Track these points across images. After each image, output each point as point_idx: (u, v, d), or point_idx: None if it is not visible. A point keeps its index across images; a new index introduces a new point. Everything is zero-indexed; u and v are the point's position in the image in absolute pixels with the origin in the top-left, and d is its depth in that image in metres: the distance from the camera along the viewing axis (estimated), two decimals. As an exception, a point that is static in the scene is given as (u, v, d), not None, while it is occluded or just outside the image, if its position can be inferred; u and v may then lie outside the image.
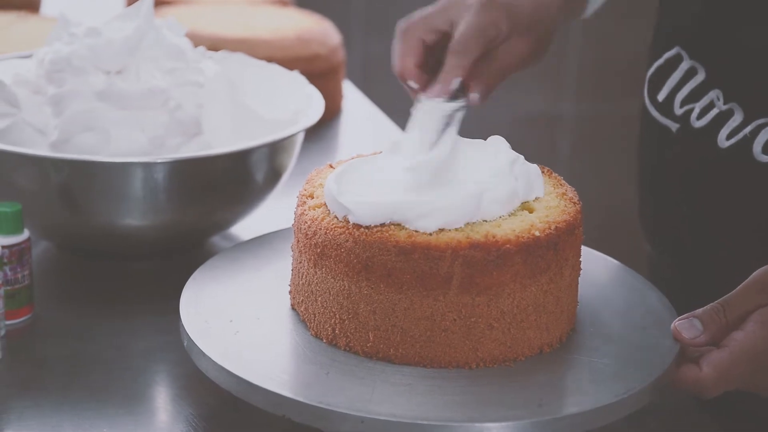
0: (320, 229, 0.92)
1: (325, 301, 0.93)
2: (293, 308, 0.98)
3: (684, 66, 1.11)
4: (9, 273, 1.05)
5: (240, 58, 1.29)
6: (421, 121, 1.02)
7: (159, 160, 1.09)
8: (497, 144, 0.99)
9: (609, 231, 2.85)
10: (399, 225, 0.90)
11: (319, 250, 0.92)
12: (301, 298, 0.95)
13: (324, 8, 1.94)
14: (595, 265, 1.05)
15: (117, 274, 1.17)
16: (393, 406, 0.86)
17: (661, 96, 1.12)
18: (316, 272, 0.93)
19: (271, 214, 1.23)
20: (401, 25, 1.10)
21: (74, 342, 1.05)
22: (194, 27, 1.54)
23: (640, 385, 0.88)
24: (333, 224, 0.92)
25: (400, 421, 0.84)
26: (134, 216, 1.11)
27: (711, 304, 0.92)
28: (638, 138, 1.20)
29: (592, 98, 2.81)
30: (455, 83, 1.05)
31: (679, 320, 0.92)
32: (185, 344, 0.94)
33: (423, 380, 0.89)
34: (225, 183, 1.14)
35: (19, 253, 1.05)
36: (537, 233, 0.91)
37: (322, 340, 0.93)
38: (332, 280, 0.92)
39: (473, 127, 1.00)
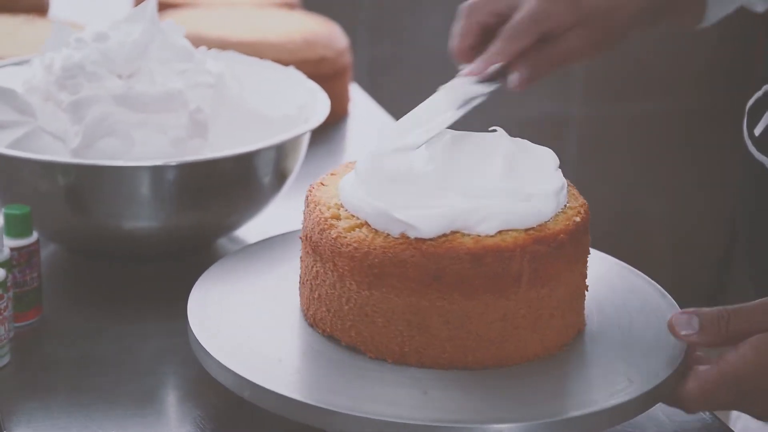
0: (374, 249, 0.90)
1: (388, 321, 0.91)
2: (324, 333, 0.95)
3: None
4: (18, 275, 1.05)
5: (233, 56, 1.29)
6: (435, 99, 1.00)
7: (166, 163, 1.10)
8: (524, 145, 0.97)
9: (616, 233, 2.85)
10: (459, 232, 0.90)
11: (376, 271, 0.90)
12: (349, 323, 0.92)
13: (330, 11, 1.94)
14: (603, 267, 1.05)
15: (125, 277, 1.18)
16: (407, 408, 0.86)
17: (758, 130, 1.08)
18: (372, 293, 0.91)
19: (277, 216, 1.23)
20: (464, 4, 1.08)
21: (82, 344, 1.05)
22: (200, 30, 1.54)
23: (647, 388, 0.88)
24: (390, 242, 0.90)
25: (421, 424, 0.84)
26: (141, 219, 1.12)
27: (718, 308, 0.90)
28: (734, 173, 1.14)
29: (600, 100, 2.81)
30: (494, 67, 1.04)
31: (679, 313, 0.91)
32: (193, 346, 0.94)
33: (440, 381, 0.90)
34: (232, 185, 1.14)
35: (27, 255, 1.05)
36: (577, 219, 0.93)
37: (387, 361, 0.92)
38: (396, 298, 0.90)
39: (481, 129, 1.00)
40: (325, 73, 1.54)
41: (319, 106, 1.23)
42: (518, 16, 1.05)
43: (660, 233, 2.90)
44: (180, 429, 0.95)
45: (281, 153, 1.16)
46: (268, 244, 1.07)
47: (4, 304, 1.00)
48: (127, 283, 1.17)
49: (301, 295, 0.98)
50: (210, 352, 0.91)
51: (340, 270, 0.92)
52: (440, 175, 0.93)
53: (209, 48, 1.26)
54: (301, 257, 0.98)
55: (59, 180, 1.10)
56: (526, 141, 0.98)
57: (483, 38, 1.07)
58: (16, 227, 1.05)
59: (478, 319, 0.90)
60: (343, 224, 0.92)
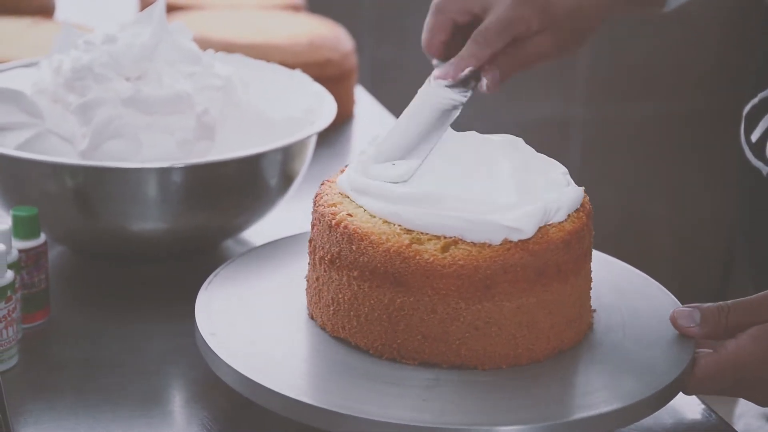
0: (484, 261, 0.89)
1: (500, 329, 0.91)
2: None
3: None
4: (26, 277, 1.05)
5: (240, 60, 1.30)
6: (415, 111, 1.00)
7: (173, 165, 1.10)
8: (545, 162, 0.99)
9: (619, 234, 2.86)
10: (545, 226, 0.92)
11: (488, 282, 0.89)
12: (454, 342, 0.91)
13: (334, 14, 1.95)
14: (606, 269, 1.05)
15: (132, 278, 1.18)
16: (414, 410, 0.86)
17: (754, 136, 1.09)
18: (484, 306, 0.90)
19: (283, 218, 1.23)
20: (436, 0, 1.10)
21: (89, 345, 1.05)
22: (206, 32, 1.55)
23: (652, 390, 0.89)
24: (498, 250, 0.90)
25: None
26: (149, 220, 1.12)
27: (718, 303, 0.93)
28: (735, 175, 1.16)
29: (603, 102, 2.81)
30: (466, 71, 1.05)
31: (681, 308, 0.94)
32: (200, 347, 0.95)
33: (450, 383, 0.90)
34: (238, 187, 1.14)
35: (35, 257, 1.06)
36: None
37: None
38: (508, 303, 0.90)
39: (484, 132, 1.00)
40: (331, 76, 1.54)
41: (326, 109, 1.23)
42: (490, 21, 1.06)
43: (663, 234, 2.90)
44: (186, 430, 0.95)
45: (288, 155, 1.16)
46: (274, 246, 1.08)
47: (12, 305, 1.00)
48: (134, 285, 1.17)
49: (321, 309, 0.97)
50: (217, 354, 0.91)
51: (442, 292, 0.90)
52: (458, 179, 0.94)
53: (215, 50, 1.27)
54: (317, 276, 0.96)
55: (67, 182, 1.10)
56: (529, 148, 1.00)
57: (453, 34, 1.08)
58: (24, 229, 1.06)
59: (570, 303, 0.93)
60: (430, 247, 0.90)
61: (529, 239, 0.90)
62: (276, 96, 1.25)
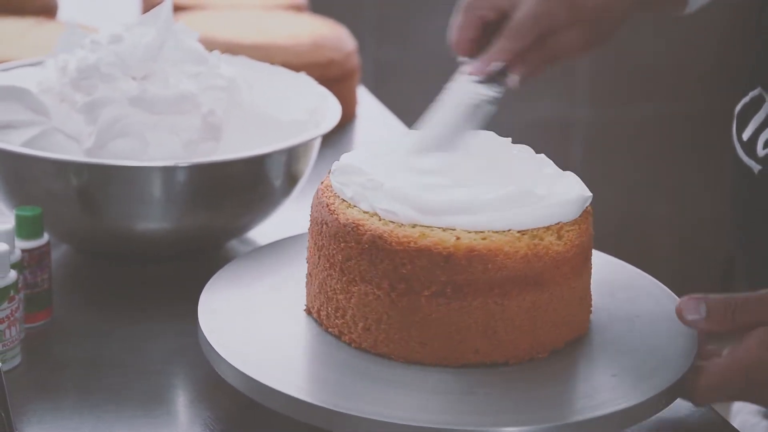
0: (539, 255, 0.91)
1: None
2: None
3: (767, 107, 1.08)
4: (29, 276, 1.05)
5: (244, 62, 1.30)
6: (447, 105, 1.01)
7: (177, 164, 1.10)
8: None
9: (621, 235, 2.86)
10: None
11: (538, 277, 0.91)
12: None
13: (336, 14, 1.95)
14: (609, 269, 1.05)
15: (135, 278, 1.18)
16: (417, 410, 0.86)
17: (746, 135, 1.10)
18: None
19: (287, 218, 1.23)
20: None
21: (93, 345, 1.05)
22: (209, 33, 1.54)
23: (655, 391, 0.89)
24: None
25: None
26: (153, 220, 1.12)
27: (727, 296, 0.92)
28: (729, 174, 1.17)
29: (604, 103, 2.81)
30: (496, 66, 1.05)
31: (688, 298, 0.93)
32: (203, 347, 0.95)
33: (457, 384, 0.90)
34: (243, 187, 1.14)
35: (38, 256, 1.06)
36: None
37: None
38: (558, 302, 0.93)
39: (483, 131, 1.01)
40: (334, 76, 1.54)
41: (330, 110, 1.23)
42: (519, 16, 1.06)
43: (664, 234, 2.90)
44: (190, 430, 0.95)
45: (293, 156, 1.17)
46: (278, 246, 1.08)
47: (15, 305, 1.01)
48: (138, 284, 1.17)
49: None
50: (220, 354, 0.92)
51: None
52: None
53: (218, 51, 1.27)
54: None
55: (71, 180, 1.10)
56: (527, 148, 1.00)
57: (483, 32, 1.09)
58: (27, 229, 1.06)
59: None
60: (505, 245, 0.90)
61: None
62: (280, 97, 1.25)
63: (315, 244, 0.97)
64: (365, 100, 1.71)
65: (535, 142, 1.01)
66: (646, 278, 1.05)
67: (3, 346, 1.00)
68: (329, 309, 0.95)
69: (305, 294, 1.00)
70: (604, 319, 0.99)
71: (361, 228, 0.92)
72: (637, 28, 2.68)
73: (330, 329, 0.95)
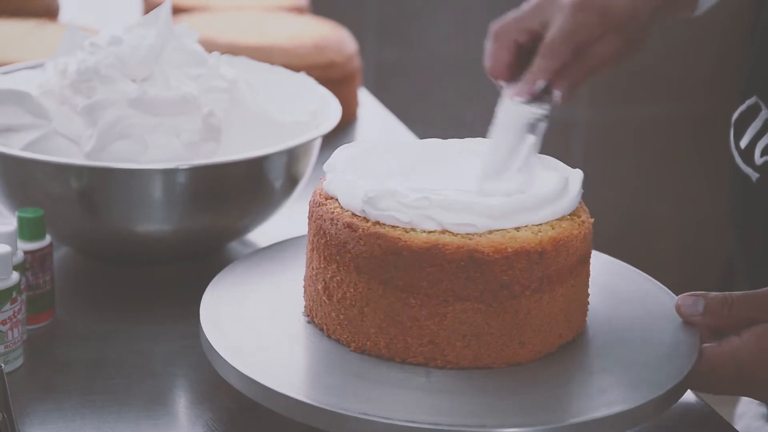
0: (585, 236, 0.93)
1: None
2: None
3: (763, 115, 1.09)
4: (31, 278, 1.06)
5: (245, 63, 1.30)
6: (502, 129, 1.03)
7: (178, 166, 1.10)
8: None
9: (622, 236, 2.86)
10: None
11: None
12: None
13: (337, 16, 1.95)
14: (608, 270, 1.05)
15: (137, 279, 1.18)
16: (417, 411, 0.86)
17: (743, 143, 1.11)
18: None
19: (288, 220, 1.24)
20: (494, 25, 1.11)
21: (95, 346, 1.06)
22: (210, 34, 1.55)
23: (657, 393, 0.89)
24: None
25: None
26: (154, 221, 1.13)
27: (725, 293, 0.93)
28: (727, 180, 1.18)
29: (606, 104, 2.81)
30: (539, 85, 1.06)
31: (686, 295, 0.94)
32: (205, 349, 0.95)
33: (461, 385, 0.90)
34: (243, 189, 1.15)
35: (41, 258, 1.06)
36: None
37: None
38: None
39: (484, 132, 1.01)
40: (335, 78, 1.55)
41: (331, 111, 1.23)
42: (552, 33, 1.07)
43: (665, 236, 2.90)
44: (191, 431, 0.95)
45: (293, 157, 1.17)
46: (279, 247, 1.08)
47: (18, 306, 1.01)
48: (139, 286, 1.17)
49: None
50: (222, 355, 0.92)
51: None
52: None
53: (219, 52, 1.27)
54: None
55: (72, 182, 1.11)
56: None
57: (516, 55, 1.09)
58: (29, 230, 1.06)
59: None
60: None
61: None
62: (281, 98, 1.25)
63: (345, 280, 0.94)
64: (366, 101, 1.71)
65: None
66: (646, 279, 1.05)
67: (5, 347, 1.00)
68: (408, 339, 0.92)
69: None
70: (604, 320, 0.99)
71: (447, 248, 0.90)
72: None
73: (410, 360, 0.92)
